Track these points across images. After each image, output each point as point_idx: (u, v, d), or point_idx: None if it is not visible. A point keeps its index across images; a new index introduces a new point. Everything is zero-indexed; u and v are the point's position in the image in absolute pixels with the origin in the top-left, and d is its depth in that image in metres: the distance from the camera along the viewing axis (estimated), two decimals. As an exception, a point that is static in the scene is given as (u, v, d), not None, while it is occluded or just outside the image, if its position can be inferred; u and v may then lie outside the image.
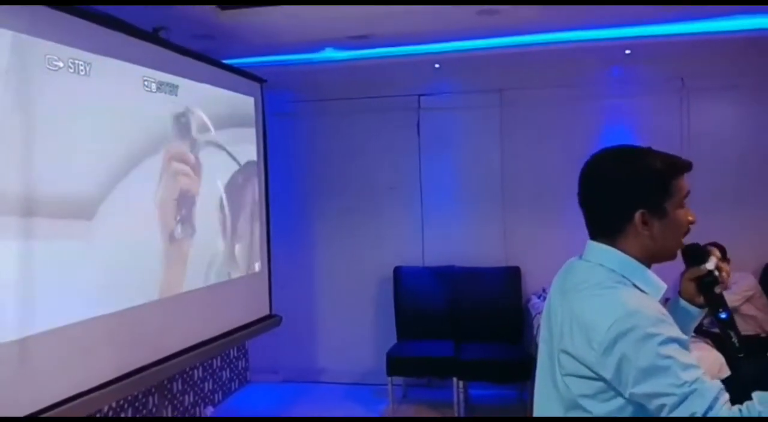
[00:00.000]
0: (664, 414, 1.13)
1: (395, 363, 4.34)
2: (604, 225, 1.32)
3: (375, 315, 5.03)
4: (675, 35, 4.06)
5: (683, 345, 1.17)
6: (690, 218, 1.30)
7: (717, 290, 1.32)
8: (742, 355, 1.28)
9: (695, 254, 1.34)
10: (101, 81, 2.80)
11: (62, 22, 2.60)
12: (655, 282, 1.28)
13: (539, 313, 4.04)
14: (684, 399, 1.11)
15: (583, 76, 4.68)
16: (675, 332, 1.17)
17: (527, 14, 3.53)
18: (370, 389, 4.84)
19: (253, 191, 4.24)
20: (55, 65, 2.56)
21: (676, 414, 1.12)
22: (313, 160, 5.09)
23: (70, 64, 2.63)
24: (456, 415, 4.24)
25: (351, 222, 5.05)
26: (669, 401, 1.12)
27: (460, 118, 4.92)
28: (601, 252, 1.30)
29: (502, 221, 4.83)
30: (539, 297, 4.46)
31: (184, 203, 3.41)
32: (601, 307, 1.20)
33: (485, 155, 4.86)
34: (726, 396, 1.12)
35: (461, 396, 4.28)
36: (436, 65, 4.67)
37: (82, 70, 2.69)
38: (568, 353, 1.25)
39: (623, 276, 1.26)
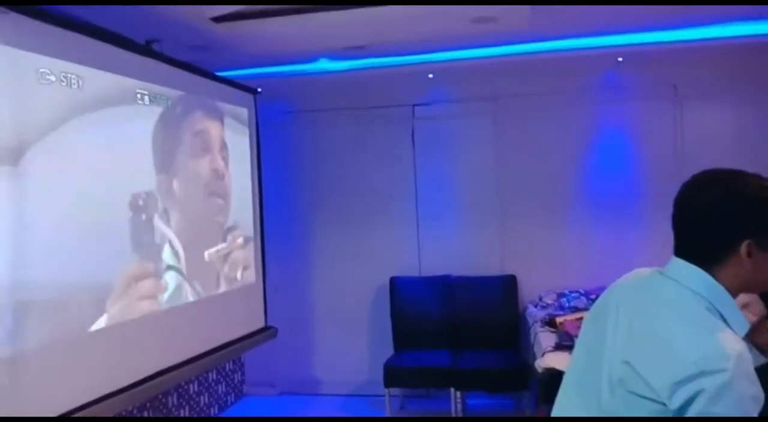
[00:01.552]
0: None
1: (392, 374, 4.31)
2: (704, 251, 1.24)
3: (371, 326, 5.00)
4: (667, 42, 4.08)
5: (758, 405, 1.11)
6: None
7: None
8: None
9: None
10: (94, 94, 2.78)
11: (54, 36, 2.59)
12: (742, 318, 1.22)
13: (536, 322, 4.03)
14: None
15: (577, 84, 4.69)
16: (759, 390, 1.12)
17: (521, 23, 3.54)
18: (367, 400, 4.80)
19: (248, 202, 4.21)
20: (48, 79, 2.54)
21: None
22: (308, 170, 5.08)
23: (62, 78, 2.62)
24: (454, 426, 4.21)
25: (346, 233, 5.03)
26: None
27: (455, 127, 4.92)
28: (692, 275, 1.23)
29: (498, 229, 4.82)
30: (536, 306, 4.45)
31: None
32: (692, 336, 1.14)
33: (480, 163, 4.86)
34: None
35: (459, 406, 4.25)
36: (430, 75, 4.68)
37: (74, 84, 2.68)
38: (632, 367, 1.18)
39: (711, 304, 1.20)
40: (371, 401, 4.74)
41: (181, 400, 4.17)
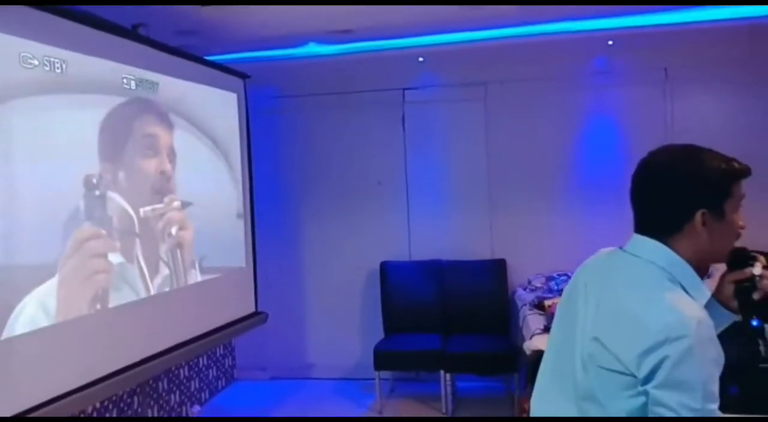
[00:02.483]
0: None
1: (382, 358, 4.34)
2: (661, 223, 1.29)
3: (362, 310, 5.02)
4: (658, 26, 4.08)
5: (719, 368, 1.16)
6: (741, 223, 1.29)
7: (755, 296, 1.30)
8: (766, 365, 1.27)
9: (741, 258, 1.32)
10: (78, 79, 2.76)
11: (37, 19, 2.56)
12: (703, 287, 1.27)
13: (525, 304, 4.06)
14: (677, 418, 1.11)
15: (567, 68, 4.68)
16: (719, 353, 1.16)
17: (511, 7, 3.53)
18: (358, 383, 4.84)
19: (237, 188, 4.20)
20: (30, 63, 2.52)
21: None
22: (298, 155, 5.07)
23: (45, 62, 2.59)
24: (444, 408, 4.25)
25: (337, 217, 5.03)
26: (667, 416, 1.12)
27: (445, 111, 4.91)
28: (652, 249, 1.27)
29: (488, 214, 4.84)
30: (525, 289, 4.48)
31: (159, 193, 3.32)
32: (654, 307, 1.18)
33: (471, 148, 4.86)
34: None
35: (449, 389, 4.29)
36: (420, 59, 4.66)
37: (57, 68, 2.65)
38: (601, 342, 1.22)
39: (672, 275, 1.24)
40: (362, 384, 4.78)
41: (171, 385, 4.18)
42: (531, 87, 4.73)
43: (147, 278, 3.15)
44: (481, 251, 4.81)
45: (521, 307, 4.15)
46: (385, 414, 4.32)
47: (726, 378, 1.16)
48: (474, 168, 4.85)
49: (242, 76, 4.31)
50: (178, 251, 3.33)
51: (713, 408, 1.12)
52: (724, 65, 4.48)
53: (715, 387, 1.14)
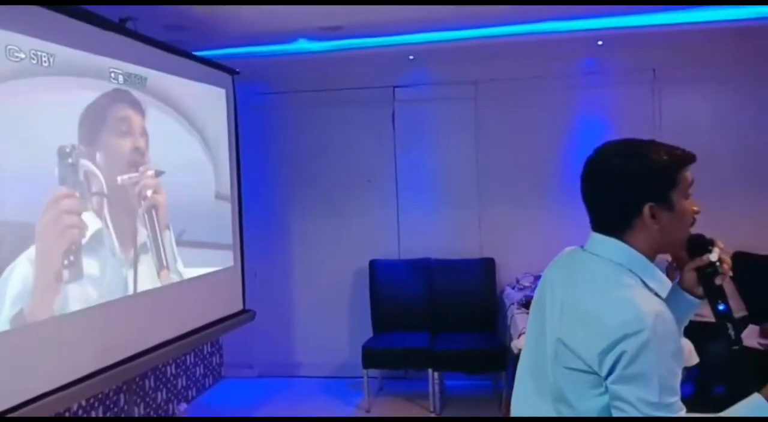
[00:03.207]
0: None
1: (371, 356, 4.34)
2: (612, 220, 1.29)
3: (351, 308, 5.02)
4: (646, 26, 4.10)
5: (679, 362, 1.16)
6: (695, 208, 1.30)
7: (717, 281, 1.31)
8: (737, 348, 1.26)
9: (699, 245, 1.33)
10: (65, 73, 2.72)
11: (23, 12, 2.52)
12: (663, 279, 1.27)
13: (513, 303, 4.07)
14: (643, 418, 1.12)
15: (557, 68, 4.70)
16: (677, 347, 1.17)
17: (501, 6, 3.53)
18: (346, 382, 4.83)
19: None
20: (17, 57, 2.48)
21: None
22: (287, 152, 5.05)
23: (33, 56, 2.56)
24: (432, 407, 4.25)
25: (326, 215, 5.02)
26: (628, 412, 1.13)
27: (436, 109, 4.91)
28: (609, 246, 1.28)
29: (477, 212, 4.84)
30: (513, 288, 4.50)
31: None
32: (612, 304, 1.19)
33: (461, 146, 4.86)
34: None
35: (437, 387, 4.29)
36: (411, 57, 4.65)
37: (45, 62, 2.62)
38: (565, 344, 1.24)
39: (631, 271, 1.24)
40: (350, 382, 4.78)
41: (158, 383, 4.15)
42: (521, 86, 4.74)
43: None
44: (470, 249, 4.81)
45: (509, 306, 4.16)
46: (373, 413, 4.32)
47: (713, 379, 1.17)
48: (464, 167, 4.85)
49: (231, 72, 4.28)
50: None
51: (671, 402, 1.12)
52: (712, 66, 4.52)
53: (675, 382, 1.14)
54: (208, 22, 3.68)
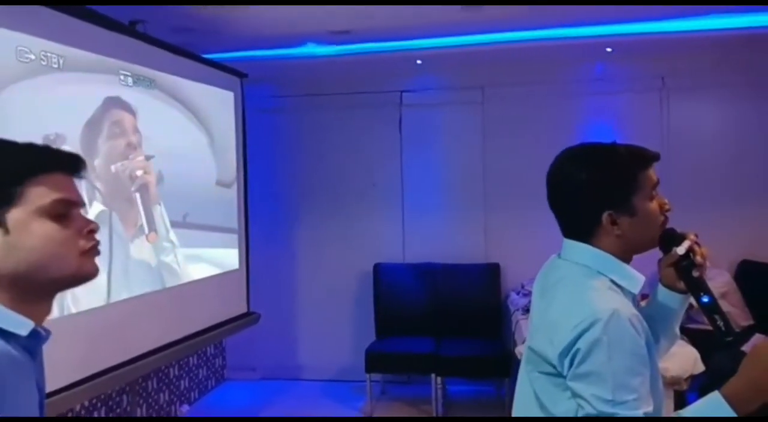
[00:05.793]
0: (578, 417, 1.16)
1: (374, 360, 4.33)
2: (575, 227, 1.30)
3: (354, 312, 5.01)
4: (656, 34, 4.08)
5: (640, 359, 1.15)
6: (666, 207, 1.29)
7: (695, 273, 1.29)
8: (730, 339, 1.24)
9: (668, 240, 1.32)
10: (75, 74, 2.74)
11: (34, 14, 2.54)
12: (633, 275, 1.27)
13: (518, 309, 4.06)
14: (599, 416, 1.11)
15: (565, 74, 4.69)
16: (636, 344, 1.15)
17: (510, 11, 3.53)
18: (348, 386, 4.83)
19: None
20: (27, 58, 2.49)
21: None
22: (294, 155, 5.05)
23: (43, 57, 2.57)
24: (434, 412, 4.24)
25: (332, 218, 5.02)
26: (586, 409, 1.13)
27: (443, 114, 4.91)
28: (576, 250, 1.29)
29: (482, 218, 4.84)
30: (518, 293, 4.48)
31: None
32: (571, 306, 1.20)
33: (467, 151, 4.86)
34: None
35: (439, 392, 4.28)
36: (419, 61, 4.66)
37: (54, 64, 2.63)
38: (533, 349, 1.26)
39: (599, 273, 1.24)
40: (352, 386, 4.77)
41: (161, 384, 4.16)
42: (529, 92, 4.73)
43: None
44: (475, 254, 4.81)
45: (514, 312, 4.15)
46: (376, 417, 4.31)
47: (718, 386, 1.15)
48: (470, 172, 4.85)
49: (240, 74, 4.29)
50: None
51: (627, 400, 1.10)
52: (721, 74, 4.50)
53: (633, 380, 1.12)
54: (217, 25, 3.69)
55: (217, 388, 4.96)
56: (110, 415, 3.59)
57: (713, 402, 1.12)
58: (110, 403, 3.60)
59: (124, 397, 3.73)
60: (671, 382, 2.92)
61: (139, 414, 3.87)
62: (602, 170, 1.25)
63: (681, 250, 1.30)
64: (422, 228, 4.90)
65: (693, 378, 3.09)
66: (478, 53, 4.42)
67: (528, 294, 4.38)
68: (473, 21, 3.76)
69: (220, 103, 4.09)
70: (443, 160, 4.91)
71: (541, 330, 1.26)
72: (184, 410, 4.40)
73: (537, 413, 1.26)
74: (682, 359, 3.03)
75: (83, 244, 0.99)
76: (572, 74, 4.70)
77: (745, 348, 3.04)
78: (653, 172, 1.28)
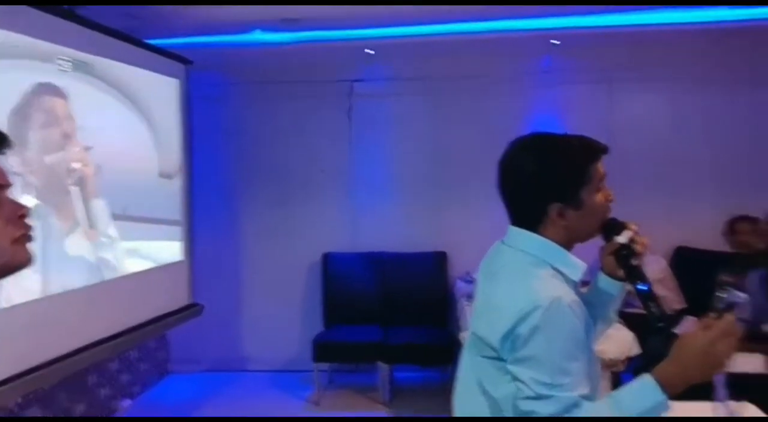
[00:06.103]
0: (516, 400, 1.19)
1: (321, 349, 4.33)
2: (522, 216, 1.33)
3: (302, 302, 4.99)
4: (601, 27, 4.18)
5: (577, 344, 1.19)
6: (610, 198, 1.33)
7: (633, 262, 1.34)
8: (662, 325, 1.29)
9: (610, 229, 1.36)
10: (10, 60, 2.61)
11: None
12: (575, 263, 1.31)
13: (463, 296, 4.13)
14: (537, 398, 1.15)
15: (513, 66, 4.76)
16: (574, 329, 1.19)
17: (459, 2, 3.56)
18: (295, 376, 4.80)
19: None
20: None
21: (522, 406, 1.17)
22: (241, 145, 4.97)
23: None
24: (382, 398, 4.28)
25: (279, 209, 4.97)
26: (525, 392, 1.17)
27: (393, 105, 4.92)
28: (521, 238, 1.32)
29: (431, 207, 4.88)
30: (463, 281, 4.55)
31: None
32: (514, 292, 1.23)
33: (417, 141, 4.89)
34: (581, 410, 1.15)
35: (387, 379, 4.31)
36: (370, 51, 4.64)
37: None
38: (476, 334, 1.29)
39: (543, 261, 1.28)
40: (300, 376, 4.75)
41: (101, 379, 4.03)
42: (478, 83, 4.78)
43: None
44: (423, 243, 4.85)
45: (459, 299, 4.22)
46: (323, 406, 4.31)
47: (653, 368, 1.21)
48: (420, 162, 4.89)
49: (185, 61, 4.18)
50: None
51: (564, 382, 1.15)
52: (667, 66, 4.64)
53: (570, 364, 1.17)
54: (162, 11, 3.58)
55: (160, 382, 4.85)
56: (45, 413, 3.44)
57: (645, 384, 1.17)
58: (46, 400, 3.46)
59: (62, 393, 3.60)
60: (609, 364, 3.04)
61: (77, 411, 3.74)
62: (553, 163, 1.27)
63: (621, 239, 1.34)
64: (372, 217, 4.91)
65: (629, 360, 3.22)
66: (428, 44, 4.44)
67: (473, 281, 4.45)
68: (424, 12, 3.78)
69: (163, 90, 3.98)
70: (393, 150, 4.93)
71: (484, 315, 1.30)
72: (126, 405, 4.28)
73: (478, 397, 1.29)
74: (620, 342, 3.15)
75: (14, 231, 0.93)
76: (519, 66, 4.77)
77: (678, 330, 3.18)
78: (601, 165, 1.32)
